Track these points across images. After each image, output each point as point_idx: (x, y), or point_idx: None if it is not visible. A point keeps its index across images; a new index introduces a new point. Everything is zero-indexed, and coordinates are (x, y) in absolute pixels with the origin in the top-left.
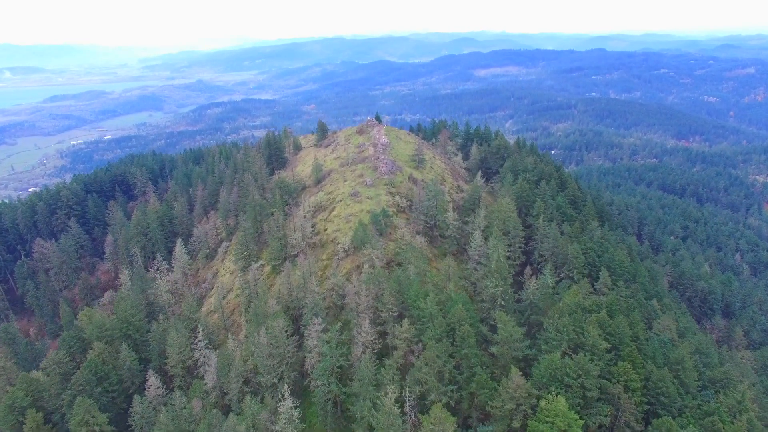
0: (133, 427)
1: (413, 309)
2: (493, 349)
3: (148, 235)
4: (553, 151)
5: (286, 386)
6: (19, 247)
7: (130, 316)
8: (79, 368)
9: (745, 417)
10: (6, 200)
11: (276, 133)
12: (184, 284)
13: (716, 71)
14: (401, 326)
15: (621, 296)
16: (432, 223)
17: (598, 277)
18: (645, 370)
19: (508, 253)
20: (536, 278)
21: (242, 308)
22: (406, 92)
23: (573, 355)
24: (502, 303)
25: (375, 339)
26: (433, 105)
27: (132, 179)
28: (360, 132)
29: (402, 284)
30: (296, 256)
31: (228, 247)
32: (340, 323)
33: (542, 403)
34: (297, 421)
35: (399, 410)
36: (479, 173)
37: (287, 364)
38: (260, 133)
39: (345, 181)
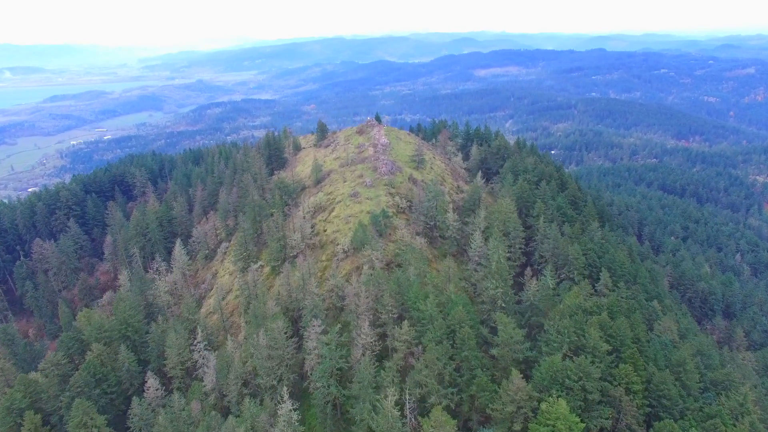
0: (131, 429)
1: (413, 311)
2: (494, 351)
3: (148, 236)
4: (553, 151)
5: (285, 388)
6: (18, 247)
7: (129, 318)
8: (77, 370)
9: (748, 420)
10: (5, 200)
11: (276, 134)
12: (184, 285)
13: (716, 71)
14: (401, 328)
15: (622, 297)
16: (432, 223)
17: (599, 278)
18: (646, 372)
19: (508, 254)
20: (537, 279)
21: (241, 309)
22: (406, 92)
23: (574, 358)
24: (503, 304)
25: (375, 341)
26: (433, 105)
27: (131, 179)
28: (360, 132)
29: (402, 286)
30: (296, 257)
31: (227, 247)
32: (339, 325)
33: (543, 405)
34: (296, 424)
35: (399, 413)
36: (479, 174)
37: (286, 366)
38: (260, 133)
39: (345, 181)
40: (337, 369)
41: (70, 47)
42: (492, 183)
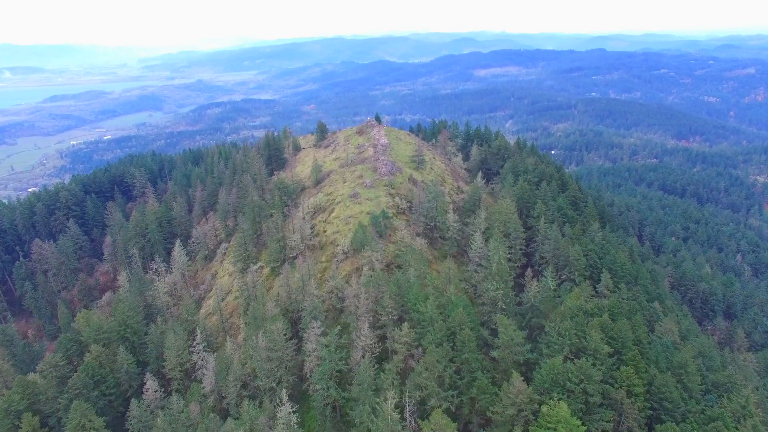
0: (130, 431)
1: (413, 312)
2: (494, 354)
3: (147, 236)
4: (553, 152)
5: (284, 391)
6: (17, 248)
7: (128, 319)
8: (76, 371)
9: (750, 423)
10: (5, 201)
11: (275, 134)
12: (183, 286)
13: (716, 71)
14: (401, 330)
15: (623, 299)
16: (432, 224)
17: (600, 280)
18: (648, 374)
19: (509, 255)
20: (537, 281)
21: (241, 310)
22: (406, 92)
23: (575, 360)
24: (503, 306)
25: (374, 343)
26: (433, 105)
27: (131, 180)
28: (360, 132)
29: (402, 287)
30: (295, 258)
31: (227, 248)
32: (339, 326)
33: (544, 408)
34: (295, 426)
35: (399, 416)
36: (479, 174)
37: (286, 367)
38: (260, 133)
39: (344, 182)
40: (337, 371)
41: (70, 47)
42: (492, 183)
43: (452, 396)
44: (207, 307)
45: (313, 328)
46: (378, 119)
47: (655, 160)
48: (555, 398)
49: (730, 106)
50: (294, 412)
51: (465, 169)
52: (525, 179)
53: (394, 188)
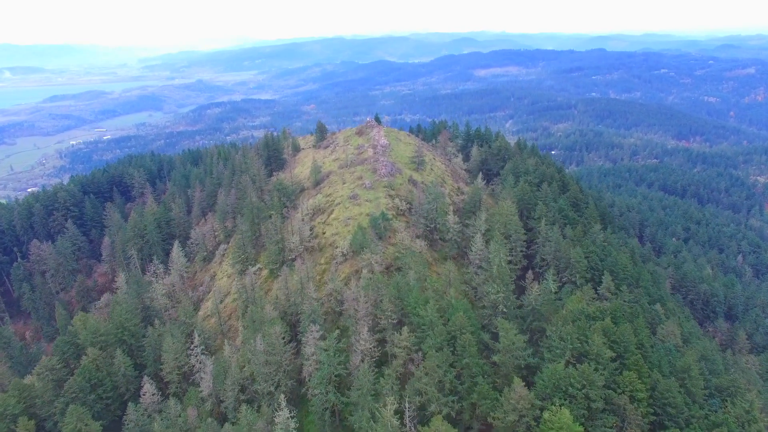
0: None
1: (413, 316)
2: (495, 358)
3: (145, 238)
4: (553, 152)
5: (282, 395)
6: (15, 249)
7: (126, 321)
8: (72, 374)
9: (755, 428)
10: (3, 201)
11: (275, 134)
12: (181, 288)
13: (716, 71)
14: (401, 334)
15: (625, 301)
16: (432, 226)
17: (601, 282)
18: (651, 379)
19: (509, 258)
20: (538, 283)
21: (239, 313)
22: (406, 92)
23: (577, 365)
24: (504, 309)
25: (374, 347)
26: (433, 105)
27: (130, 180)
28: (359, 133)
29: (401, 290)
30: (294, 260)
31: (226, 249)
32: (338, 330)
33: (546, 414)
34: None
35: (398, 422)
36: (480, 175)
37: (284, 371)
38: (260, 133)
39: (344, 183)
40: (336, 375)
41: (70, 47)
42: (493, 184)
43: (452, 401)
44: (205, 309)
45: (312, 331)
46: (378, 119)
47: (655, 160)
48: (557, 404)
49: (731, 106)
50: (292, 417)
51: (465, 170)
52: (526, 180)
53: (393, 189)
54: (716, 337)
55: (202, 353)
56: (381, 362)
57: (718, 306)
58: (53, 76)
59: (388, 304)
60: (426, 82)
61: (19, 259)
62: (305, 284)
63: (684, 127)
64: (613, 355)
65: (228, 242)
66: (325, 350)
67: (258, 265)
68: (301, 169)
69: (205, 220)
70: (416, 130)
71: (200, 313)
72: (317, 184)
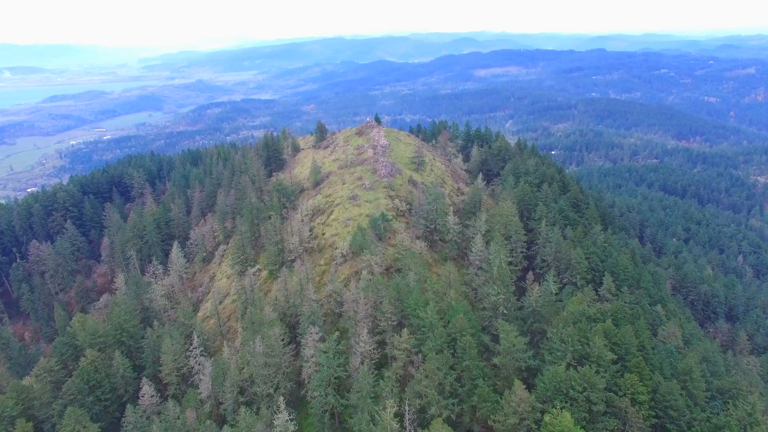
0: None
1: (413, 318)
2: (496, 360)
3: (145, 238)
4: (553, 152)
5: (281, 397)
6: (14, 249)
7: (124, 322)
8: (71, 376)
9: (757, 430)
10: (3, 201)
11: (274, 134)
12: (180, 288)
13: (716, 71)
14: (400, 336)
15: (625, 302)
16: (432, 227)
17: (602, 283)
18: (652, 381)
19: (509, 259)
20: (539, 284)
21: (239, 314)
22: (406, 92)
23: (578, 367)
24: (504, 311)
25: (373, 349)
26: (433, 105)
27: (129, 181)
28: (359, 133)
29: (401, 292)
30: (293, 261)
31: (225, 250)
32: (337, 332)
33: (547, 417)
34: None
35: (398, 425)
36: (480, 176)
37: (283, 373)
38: (260, 133)
39: (344, 183)
40: (335, 378)
41: (70, 47)
42: (493, 185)
43: (453, 404)
44: (204, 310)
45: (311, 333)
46: (378, 120)
47: (655, 160)
48: (558, 407)
49: (731, 106)
50: (291, 420)
51: (465, 170)
52: (526, 181)
53: (393, 190)
54: (717, 338)
55: (201, 355)
56: (381, 364)
57: (719, 307)
58: (53, 76)
59: (387, 305)
60: (426, 82)
61: (18, 260)
62: (305, 285)
63: (684, 127)
64: (615, 357)
65: (227, 243)
66: (325, 352)
67: (257, 266)
68: (300, 169)
69: (205, 220)
70: (416, 131)
71: (199, 314)
72: (317, 184)
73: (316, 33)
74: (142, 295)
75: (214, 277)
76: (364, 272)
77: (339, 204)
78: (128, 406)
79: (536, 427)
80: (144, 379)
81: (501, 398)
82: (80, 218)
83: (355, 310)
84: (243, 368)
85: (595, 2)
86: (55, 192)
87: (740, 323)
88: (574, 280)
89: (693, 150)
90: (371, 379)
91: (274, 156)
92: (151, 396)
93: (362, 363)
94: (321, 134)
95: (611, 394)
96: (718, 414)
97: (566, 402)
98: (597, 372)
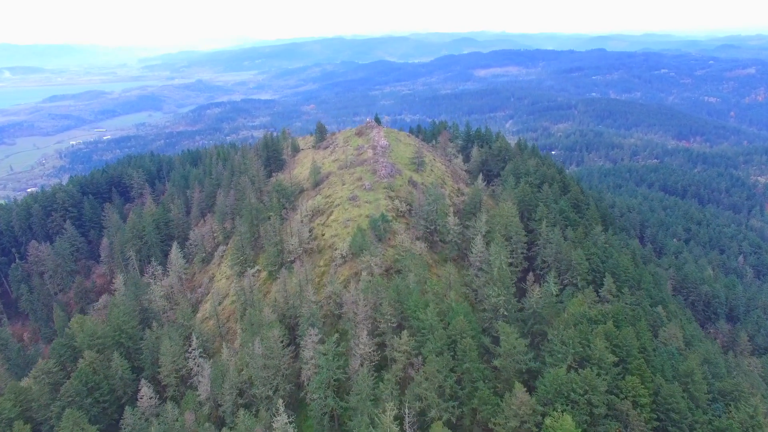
0: None
1: (413, 320)
2: (496, 362)
3: (144, 239)
4: (553, 152)
5: (281, 400)
6: (13, 249)
7: (123, 324)
8: (69, 378)
9: None
10: (3, 201)
11: (274, 134)
12: (179, 289)
13: (716, 71)
14: (400, 338)
15: (626, 304)
16: (432, 228)
17: (603, 284)
18: (654, 384)
19: (510, 260)
20: (539, 285)
21: (238, 315)
22: (406, 92)
23: (579, 370)
24: (505, 312)
25: (373, 351)
26: (433, 105)
27: (129, 181)
28: (359, 134)
29: (401, 293)
30: (293, 262)
31: (225, 251)
32: (337, 334)
33: (548, 420)
34: None
35: (398, 428)
36: (480, 176)
37: (283, 375)
38: (260, 134)
39: (343, 184)
40: (335, 380)
41: (70, 47)
42: (493, 185)
43: (453, 407)
44: (204, 311)
45: (311, 335)
46: (378, 120)
47: (655, 160)
48: (559, 409)
49: (731, 107)
50: (291, 422)
51: (465, 170)
52: (526, 181)
53: (393, 191)
54: (717, 338)
55: (200, 356)
56: (380, 366)
57: (720, 307)
58: (53, 76)
59: (387, 307)
60: (426, 82)
61: (17, 260)
62: (304, 287)
63: (684, 127)
64: (616, 359)
65: (227, 243)
66: (324, 354)
67: (257, 267)
68: (300, 169)
69: (204, 221)
70: (416, 131)
71: (198, 315)
72: (316, 185)
73: (316, 33)
74: (141, 296)
75: (213, 277)
76: (364, 273)
77: (339, 205)
78: (127, 408)
79: (537, 430)
80: (143, 381)
81: (501, 401)
82: (79, 219)
83: (355, 311)
84: (242, 370)
85: (595, 2)
86: (54, 192)
87: (741, 324)
88: (574, 281)
89: (693, 150)
90: (371, 382)
91: (273, 156)
92: (150, 398)
93: (362, 365)
94: (321, 134)
95: (612, 396)
96: (720, 416)
97: (567, 405)
98: (598, 374)
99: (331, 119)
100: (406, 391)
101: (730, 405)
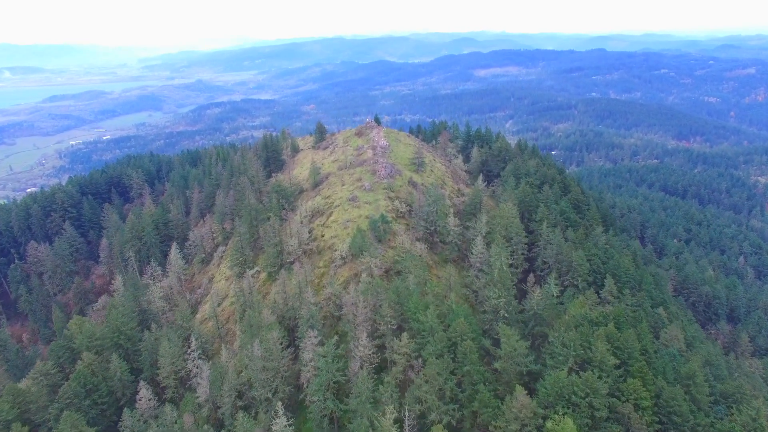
0: None
1: (413, 322)
2: (497, 365)
3: (143, 239)
4: (553, 152)
5: (280, 402)
6: (12, 250)
7: (122, 325)
8: (67, 379)
9: None
10: (2, 202)
11: (274, 135)
12: (179, 290)
13: (716, 71)
14: (400, 340)
15: (627, 305)
16: (432, 228)
17: (603, 285)
18: (655, 386)
19: (510, 261)
20: (540, 287)
21: (237, 316)
22: (406, 92)
23: (580, 372)
24: (505, 314)
25: (373, 353)
26: (433, 105)
27: (128, 181)
28: (359, 134)
29: (401, 295)
30: (292, 263)
31: (224, 251)
32: (336, 336)
33: (549, 423)
34: None
35: (398, 430)
36: (480, 176)
37: (282, 377)
38: (259, 134)
39: (343, 185)
40: (334, 382)
41: (70, 47)
42: (493, 186)
43: (453, 410)
44: (203, 312)
45: (310, 337)
46: (377, 120)
47: (655, 160)
48: (560, 412)
49: (731, 107)
50: (290, 425)
51: (466, 171)
52: (527, 182)
53: (393, 191)
54: (718, 340)
55: (199, 358)
56: (380, 369)
57: (720, 308)
58: (53, 76)
59: (387, 309)
60: (426, 82)
61: (16, 261)
62: (303, 288)
63: (684, 127)
64: (617, 362)
65: (226, 244)
66: (324, 356)
67: (256, 268)
68: (300, 170)
69: (204, 221)
70: (416, 131)
71: (198, 316)
72: (316, 185)
73: (316, 33)
74: (140, 297)
75: (212, 278)
76: (364, 275)
77: (338, 205)
78: (125, 410)
79: None
80: (141, 383)
81: (502, 404)
82: (79, 219)
83: (355, 313)
84: (241, 372)
85: (595, 2)
86: (53, 193)
87: (742, 325)
88: (575, 283)
89: (693, 150)
90: (370, 384)
91: (273, 157)
92: (149, 400)
93: (361, 367)
94: (320, 135)
95: (614, 399)
96: (722, 419)
97: (568, 408)
98: (599, 377)
99: (331, 119)
100: (406, 394)
101: (732, 407)
